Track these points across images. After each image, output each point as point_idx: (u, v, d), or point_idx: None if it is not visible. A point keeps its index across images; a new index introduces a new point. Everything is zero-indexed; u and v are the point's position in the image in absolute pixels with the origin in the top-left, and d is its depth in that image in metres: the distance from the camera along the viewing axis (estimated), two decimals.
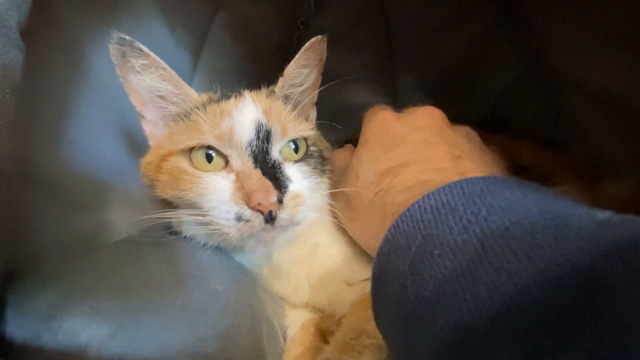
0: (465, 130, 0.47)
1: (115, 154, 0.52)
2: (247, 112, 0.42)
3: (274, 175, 0.40)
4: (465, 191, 0.27)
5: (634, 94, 0.48)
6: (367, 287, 0.46)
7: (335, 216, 0.47)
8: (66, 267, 0.36)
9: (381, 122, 0.45)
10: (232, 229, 0.39)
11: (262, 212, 0.39)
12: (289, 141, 0.44)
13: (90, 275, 0.35)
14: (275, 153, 0.43)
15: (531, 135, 0.70)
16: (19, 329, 0.31)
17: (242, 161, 0.41)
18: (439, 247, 0.25)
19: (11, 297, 0.32)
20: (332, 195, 0.47)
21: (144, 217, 0.42)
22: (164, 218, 0.42)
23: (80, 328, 0.30)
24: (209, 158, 0.41)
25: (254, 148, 0.41)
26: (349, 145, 0.53)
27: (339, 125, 0.86)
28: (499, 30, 0.76)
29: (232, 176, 0.41)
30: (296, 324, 0.48)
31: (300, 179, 0.43)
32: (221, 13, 0.71)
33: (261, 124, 0.42)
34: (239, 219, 0.39)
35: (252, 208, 0.39)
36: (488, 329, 0.20)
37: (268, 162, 0.41)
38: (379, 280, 0.31)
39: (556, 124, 0.73)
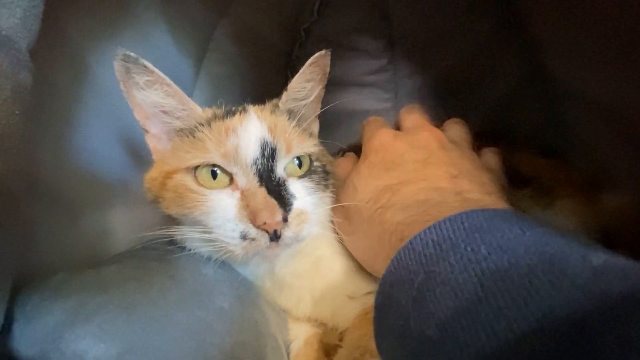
0: (462, 149, 0.47)
1: (119, 162, 0.52)
2: (252, 130, 0.42)
3: (279, 193, 0.40)
4: (465, 225, 0.27)
5: (634, 105, 0.48)
6: (370, 300, 0.46)
7: (335, 230, 0.47)
8: (73, 282, 0.36)
9: (380, 141, 0.46)
10: (237, 247, 0.40)
11: (267, 231, 0.39)
12: (294, 158, 0.45)
13: (96, 293, 0.35)
14: (280, 170, 0.43)
15: (530, 145, 0.70)
16: (25, 347, 0.31)
17: (247, 179, 0.41)
18: (440, 285, 0.25)
19: (18, 314, 0.32)
20: (332, 209, 0.47)
21: (148, 233, 0.43)
22: (170, 234, 0.42)
23: (89, 348, 0.30)
24: (214, 175, 0.42)
25: (259, 166, 0.41)
26: (351, 155, 0.53)
27: (340, 130, 0.86)
28: (500, 38, 0.76)
29: (238, 194, 0.41)
30: (300, 338, 0.49)
31: (304, 195, 0.43)
32: (224, 20, 0.70)
33: (266, 142, 0.42)
34: (244, 237, 0.39)
35: (258, 227, 0.39)
36: None
37: (273, 180, 0.41)
38: (381, 311, 0.31)
39: (556, 134, 0.73)
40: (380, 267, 0.38)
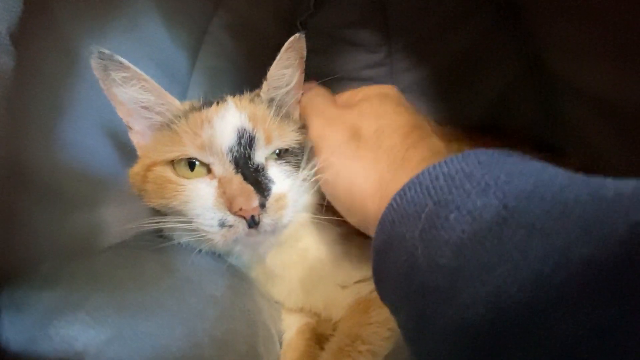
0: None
1: (111, 153, 0.52)
2: (229, 119, 0.42)
3: (256, 179, 0.40)
4: (480, 159, 0.25)
5: (630, 99, 0.48)
6: (362, 289, 0.47)
7: (320, 213, 0.44)
8: (62, 271, 0.36)
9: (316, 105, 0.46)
10: (216, 235, 0.40)
11: (245, 217, 0.39)
12: (274, 150, 0.44)
13: (86, 281, 0.35)
14: (258, 157, 0.43)
15: (527, 138, 0.70)
16: (14, 334, 0.31)
17: (223, 167, 0.41)
18: (454, 211, 0.23)
19: (7, 302, 0.32)
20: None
21: (135, 224, 0.43)
22: (154, 225, 0.42)
23: (78, 334, 0.30)
24: (192, 166, 0.42)
25: (235, 154, 0.41)
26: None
27: None
28: (498, 32, 0.76)
29: (215, 182, 0.41)
30: (292, 328, 0.49)
31: (282, 178, 0.43)
32: (220, 12, 0.70)
33: (244, 130, 0.42)
34: (222, 224, 0.39)
35: (234, 213, 0.39)
36: (530, 293, 0.18)
37: (250, 167, 0.41)
38: (381, 252, 0.29)
39: (553, 127, 0.73)
40: (371, 205, 0.34)
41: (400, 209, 0.27)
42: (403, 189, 0.28)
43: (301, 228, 0.47)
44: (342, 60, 0.88)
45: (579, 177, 0.21)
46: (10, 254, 0.37)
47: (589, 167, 0.61)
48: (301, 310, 0.50)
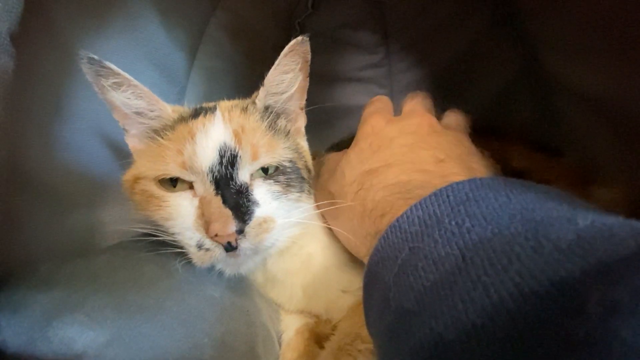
0: (455, 135, 0.46)
1: (109, 154, 0.51)
2: (212, 134, 0.40)
3: (236, 202, 0.38)
4: (450, 199, 0.27)
5: (625, 98, 0.48)
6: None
7: (324, 221, 0.46)
8: (61, 272, 0.36)
9: (372, 126, 0.45)
10: (194, 256, 0.39)
11: (221, 243, 0.38)
12: (260, 167, 0.42)
13: (85, 282, 0.35)
14: (242, 177, 0.40)
15: (524, 138, 0.71)
16: (13, 336, 0.30)
17: (204, 187, 0.39)
18: (423, 260, 0.25)
19: (5, 303, 0.32)
20: (319, 196, 0.45)
21: (131, 227, 0.43)
22: (148, 230, 0.42)
23: (77, 336, 0.30)
24: (175, 181, 0.41)
25: (215, 174, 0.39)
26: (344, 151, 0.53)
27: (336, 126, 0.86)
28: (495, 33, 0.76)
29: (196, 201, 0.40)
30: (291, 328, 0.49)
31: (270, 200, 0.41)
32: (218, 13, 0.70)
33: (227, 147, 0.40)
34: (200, 246, 0.38)
35: (211, 238, 0.38)
36: (463, 342, 0.20)
37: (232, 188, 0.39)
38: (368, 289, 0.31)
39: (549, 127, 0.73)
40: (361, 247, 0.38)
41: (383, 251, 0.29)
42: (386, 232, 0.29)
43: (306, 235, 0.45)
44: (340, 61, 0.88)
45: (535, 215, 0.23)
46: (8, 254, 0.37)
47: (586, 166, 0.61)
48: (302, 312, 0.50)
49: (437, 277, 0.23)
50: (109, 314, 0.32)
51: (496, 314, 0.19)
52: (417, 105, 0.49)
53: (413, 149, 0.41)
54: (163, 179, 0.41)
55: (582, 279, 0.18)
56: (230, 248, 0.38)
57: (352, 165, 0.43)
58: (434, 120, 0.46)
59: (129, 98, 0.42)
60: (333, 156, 0.52)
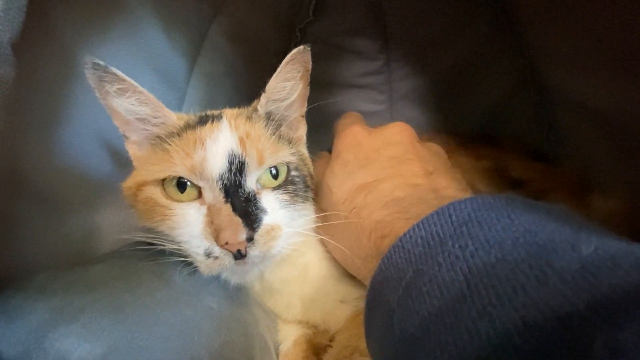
0: (433, 147, 0.46)
1: (108, 160, 0.51)
2: (221, 141, 0.40)
3: (246, 210, 0.38)
4: (452, 219, 0.27)
5: (623, 110, 0.48)
6: (361, 303, 0.46)
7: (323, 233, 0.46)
8: (58, 281, 0.36)
9: (354, 136, 0.45)
10: (202, 264, 0.39)
11: (231, 251, 0.38)
12: (268, 168, 0.42)
13: (82, 292, 0.35)
14: (250, 184, 0.41)
15: (523, 148, 0.71)
16: (7, 347, 0.30)
17: (213, 195, 0.39)
18: (427, 284, 0.25)
19: (0, 313, 0.32)
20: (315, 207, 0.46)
21: (130, 235, 0.42)
22: (148, 239, 0.42)
23: (73, 348, 0.30)
24: (183, 187, 0.40)
25: (225, 181, 0.39)
26: (325, 154, 0.52)
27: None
28: (494, 42, 0.77)
29: (204, 209, 0.40)
30: (289, 339, 0.48)
31: (277, 208, 0.41)
32: (218, 18, 0.70)
33: (235, 155, 0.40)
34: (208, 254, 0.38)
35: (221, 246, 0.38)
36: None
37: (241, 195, 0.39)
38: (370, 310, 0.31)
39: (548, 138, 0.74)
40: (361, 268, 0.38)
41: (386, 271, 0.29)
42: (389, 252, 0.29)
43: (303, 245, 0.45)
44: (340, 68, 0.88)
45: (538, 239, 0.23)
46: (5, 260, 0.36)
47: (585, 176, 0.62)
48: (299, 322, 0.50)
49: (442, 304, 0.23)
50: (105, 325, 0.32)
51: (502, 348, 0.19)
52: (355, 119, 0.50)
53: (401, 161, 0.40)
54: (169, 184, 0.40)
55: (587, 316, 0.18)
56: (239, 256, 0.38)
57: (338, 180, 0.43)
58: (412, 128, 0.45)
59: (134, 104, 0.42)
60: (316, 165, 0.50)
